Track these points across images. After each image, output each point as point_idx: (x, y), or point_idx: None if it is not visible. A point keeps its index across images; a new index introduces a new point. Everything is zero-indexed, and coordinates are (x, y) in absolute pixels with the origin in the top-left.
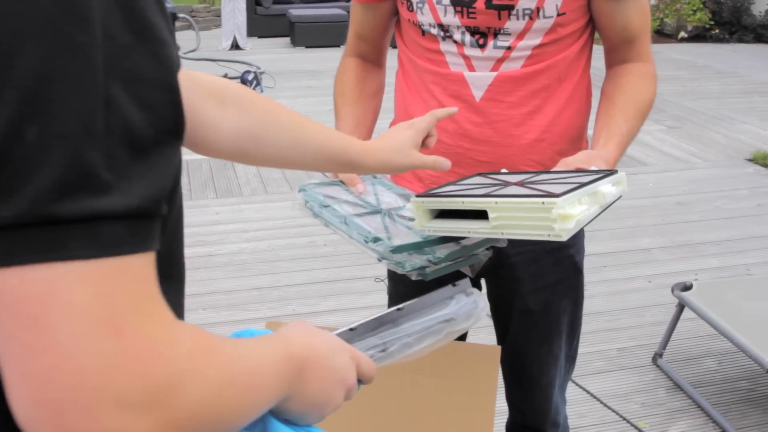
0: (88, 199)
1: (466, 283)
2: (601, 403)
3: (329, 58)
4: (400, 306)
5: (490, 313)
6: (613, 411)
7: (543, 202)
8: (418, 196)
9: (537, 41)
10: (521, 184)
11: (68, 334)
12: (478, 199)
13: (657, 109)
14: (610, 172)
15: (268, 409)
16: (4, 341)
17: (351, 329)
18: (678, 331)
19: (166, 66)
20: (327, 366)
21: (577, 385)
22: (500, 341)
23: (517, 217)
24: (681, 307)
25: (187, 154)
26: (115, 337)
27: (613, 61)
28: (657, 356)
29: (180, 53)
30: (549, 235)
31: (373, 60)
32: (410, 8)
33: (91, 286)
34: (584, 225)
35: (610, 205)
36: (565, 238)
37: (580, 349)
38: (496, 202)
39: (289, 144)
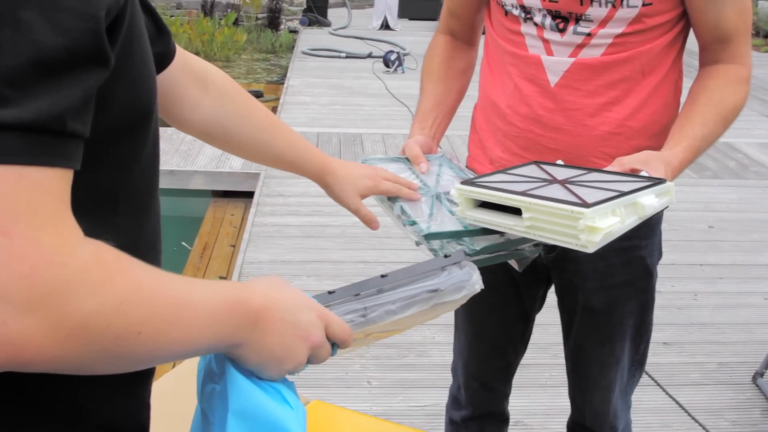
0: None
1: (459, 255)
2: (689, 415)
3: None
4: (384, 273)
5: (483, 286)
6: (700, 425)
7: (572, 211)
8: (462, 183)
9: (620, 30)
10: (564, 183)
11: None
12: (515, 196)
13: None
14: (656, 182)
15: (228, 359)
16: None
17: (329, 292)
18: None
19: None
20: (287, 320)
21: (666, 393)
22: (565, 336)
23: (548, 220)
24: None
25: (320, 128)
26: (3, 237)
27: (706, 60)
28: (757, 375)
29: (330, 29)
30: (576, 245)
31: (463, 38)
32: None
33: None
34: (618, 236)
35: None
36: (591, 250)
37: (676, 359)
38: (530, 203)
39: (253, 143)
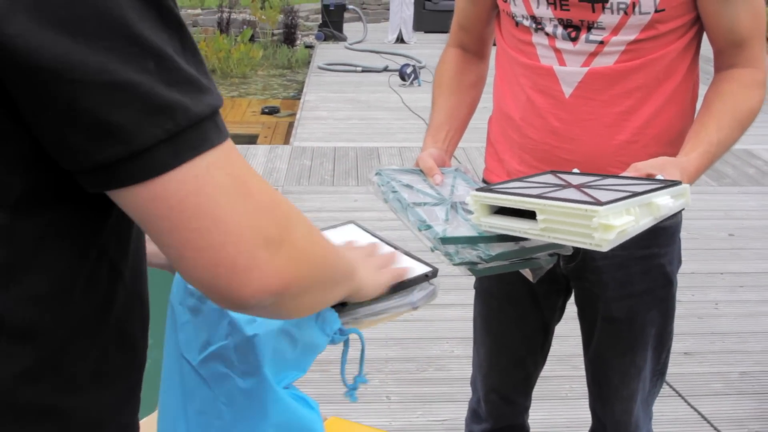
0: (205, 98)
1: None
2: (712, 426)
3: (493, 57)
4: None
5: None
6: None
7: (586, 210)
8: (477, 190)
9: (632, 36)
10: (579, 187)
11: (222, 208)
12: (530, 199)
13: None
14: (671, 183)
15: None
16: (169, 234)
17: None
18: None
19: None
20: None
21: (688, 404)
22: (585, 347)
23: (562, 221)
24: None
25: (337, 143)
26: (249, 197)
27: (720, 65)
28: None
29: (346, 44)
30: (590, 244)
31: (474, 51)
32: None
33: (223, 167)
34: (632, 236)
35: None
36: (605, 248)
37: (698, 368)
38: (544, 205)
39: None
